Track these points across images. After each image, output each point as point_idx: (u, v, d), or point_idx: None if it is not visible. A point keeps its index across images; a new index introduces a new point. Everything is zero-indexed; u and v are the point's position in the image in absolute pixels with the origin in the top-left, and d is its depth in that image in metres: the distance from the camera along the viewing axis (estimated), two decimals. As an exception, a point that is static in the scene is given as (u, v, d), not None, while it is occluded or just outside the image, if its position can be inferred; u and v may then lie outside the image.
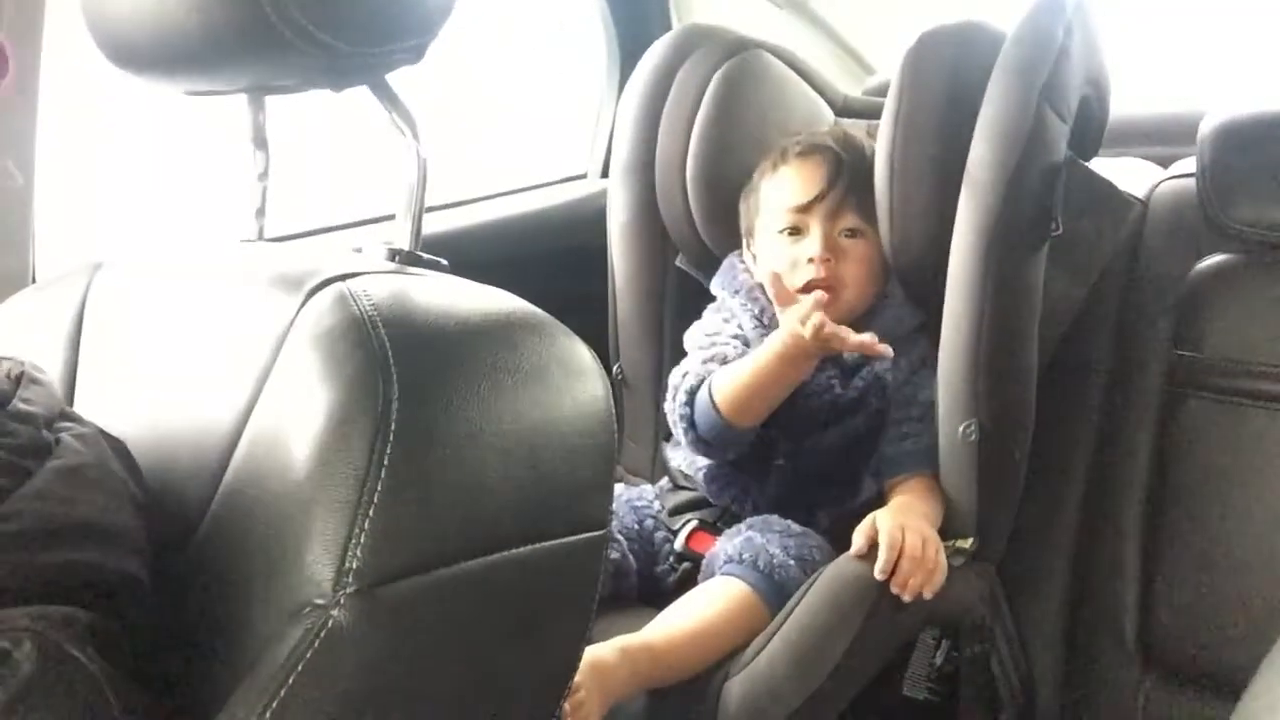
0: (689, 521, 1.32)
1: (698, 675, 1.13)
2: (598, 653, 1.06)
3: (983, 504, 1.23)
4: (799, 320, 1.17)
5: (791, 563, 1.19)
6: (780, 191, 1.34)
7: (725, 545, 1.23)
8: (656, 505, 1.36)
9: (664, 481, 1.43)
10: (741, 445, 1.29)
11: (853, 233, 1.31)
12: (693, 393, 1.28)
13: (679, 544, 1.31)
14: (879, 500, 1.28)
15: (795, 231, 1.32)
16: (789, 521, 1.26)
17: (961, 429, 1.21)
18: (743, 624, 1.15)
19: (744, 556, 1.19)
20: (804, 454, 1.30)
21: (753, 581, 1.17)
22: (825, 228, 1.30)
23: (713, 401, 1.25)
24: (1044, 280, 1.25)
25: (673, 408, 1.31)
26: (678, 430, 1.31)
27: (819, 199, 1.30)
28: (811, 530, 1.26)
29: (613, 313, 1.57)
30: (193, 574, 0.64)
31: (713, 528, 1.31)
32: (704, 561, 1.25)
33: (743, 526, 1.26)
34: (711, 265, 1.48)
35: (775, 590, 1.17)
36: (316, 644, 0.54)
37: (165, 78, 0.81)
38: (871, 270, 1.32)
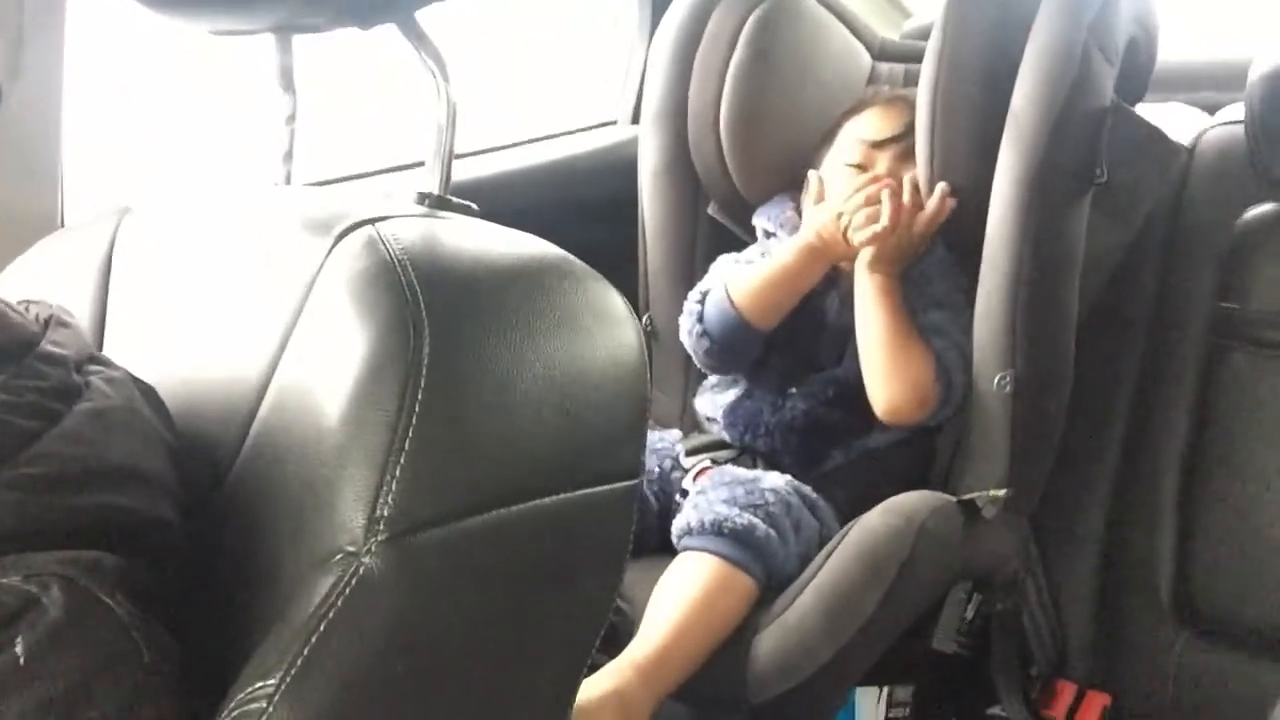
0: (701, 461, 1.31)
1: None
2: (614, 683, 1.05)
3: (1017, 456, 1.22)
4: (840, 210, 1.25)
5: (739, 513, 1.16)
6: (859, 127, 1.35)
7: (686, 512, 1.21)
8: (678, 448, 1.36)
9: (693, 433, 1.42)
10: (749, 352, 1.31)
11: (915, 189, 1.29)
12: (706, 294, 1.32)
13: (688, 482, 1.30)
14: (895, 445, 1.27)
15: (862, 169, 1.32)
16: (739, 470, 1.25)
17: (996, 380, 1.20)
18: (724, 595, 1.13)
19: (693, 525, 1.17)
20: (817, 385, 1.29)
21: (712, 548, 1.14)
22: (892, 168, 1.30)
23: (729, 296, 1.29)
24: (1086, 228, 1.22)
25: (686, 312, 1.34)
26: (689, 337, 1.33)
27: (894, 140, 1.31)
28: (774, 473, 1.24)
29: (643, 262, 1.55)
30: (222, 521, 0.63)
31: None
32: (672, 528, 1.22)
33: (705, 483, 1.25)
34: (744, 213, 1.46)
35: (738, 547, 1.14)
36: (348, 591, 0.53)
37: (190, 16, 0.79)
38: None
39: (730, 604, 1.13)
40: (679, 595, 1.13)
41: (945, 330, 1.26)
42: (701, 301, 1.33)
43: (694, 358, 1.36)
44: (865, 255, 1.25)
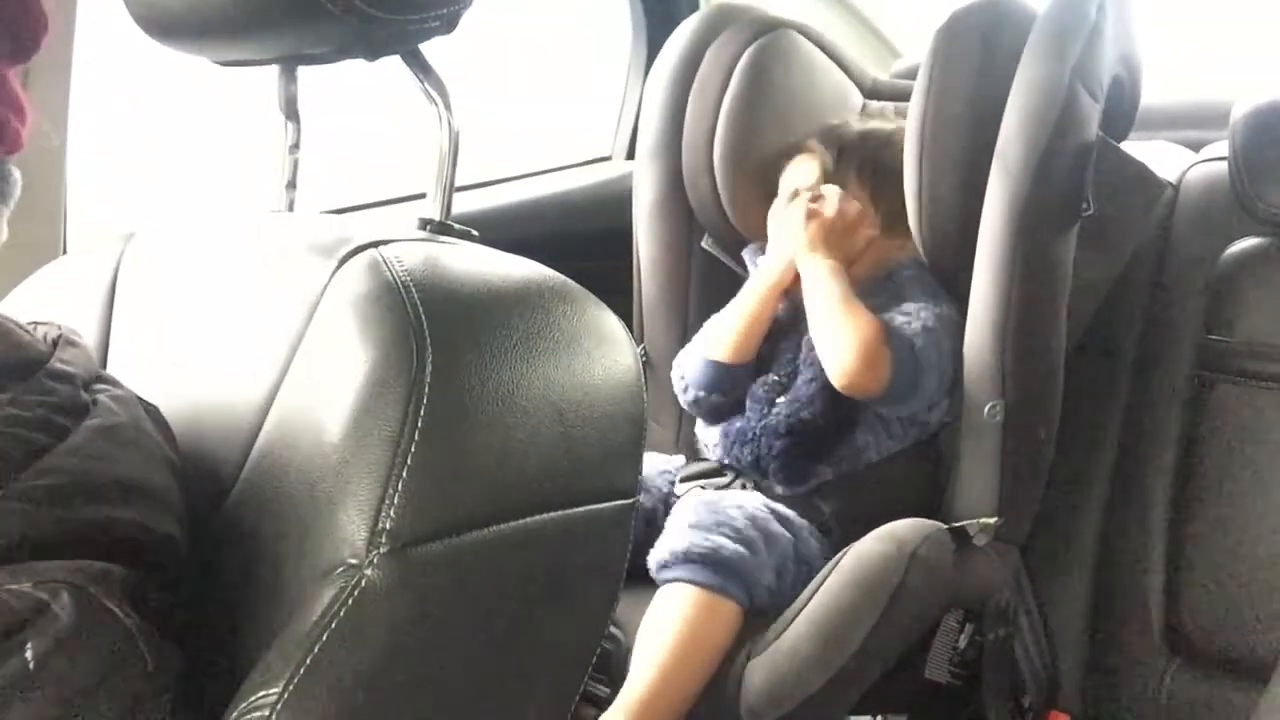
0: (691, 489, 1.32)
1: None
2: None
3: (1007, 485, 1.23)
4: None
5: (705, 537, 1.16)
6: (784, 181, 1.42)
7: (660, 545, 1.20)
8: (674, 475, 1.37)
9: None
10: (740, 386, 1.35)
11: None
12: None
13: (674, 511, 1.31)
14: (882, 464, 1.28)
15: None
16: (709, 493, 1.27)
17: (987, 409, 1.21)
18: (709, 624, 1.13)
19: (665, 557, 1.16)
20: (803, 392, 1.29)
21: (688, 577, 1.14)
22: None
23: (702, 354, 1.36)
24: (1073, 261, 1.24)
25: (675, 380, 1.40)
26: (688, 406, 1.39)
27: (795, 196, 1.37)
28: (743, 492, 1.27)
29: (637, 295, 1.57)
30: (227, 536, 0.64)
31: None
32: (648, 562, 1.21)
33: (679, 510, 1.25)
34: (737, 246, 1.48)
35: (711, 571, 1.14)
36: (350, 602, 0.54)
37: (199, 47, 0.81)
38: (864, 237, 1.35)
39: (716, 631, 1.13)
40: (664, 632, 1.12)
41: (909, 323, 1.27)
42: (680, 361, 1.41)
43: (700, 418, 1.40)
44: (802, 245, 1.32)
